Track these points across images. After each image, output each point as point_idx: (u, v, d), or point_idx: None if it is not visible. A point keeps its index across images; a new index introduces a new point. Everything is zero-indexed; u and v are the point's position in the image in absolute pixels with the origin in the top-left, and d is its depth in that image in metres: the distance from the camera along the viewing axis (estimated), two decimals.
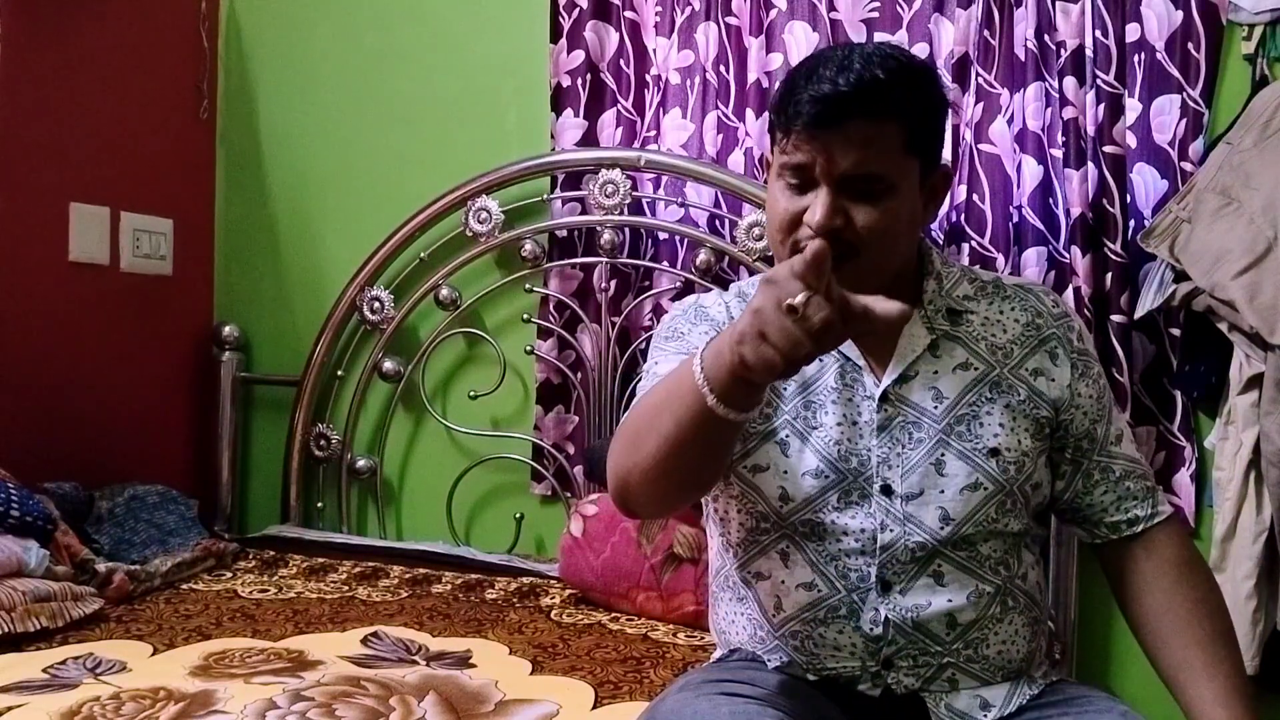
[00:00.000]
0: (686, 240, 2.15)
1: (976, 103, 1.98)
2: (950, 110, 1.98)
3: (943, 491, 1.08)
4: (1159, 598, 1.12)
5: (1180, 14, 1.90)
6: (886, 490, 1.08)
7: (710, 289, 2.09)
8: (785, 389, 1.12)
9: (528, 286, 2.24)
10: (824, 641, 1.10)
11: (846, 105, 1.01)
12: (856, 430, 1.09)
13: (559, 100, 2.22)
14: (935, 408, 1.09)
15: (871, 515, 1.08)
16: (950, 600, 1.08)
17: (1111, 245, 1.91)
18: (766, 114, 1.19)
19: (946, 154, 2.00)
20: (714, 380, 0.88)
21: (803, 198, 1.05)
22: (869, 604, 1.08)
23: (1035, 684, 1.12)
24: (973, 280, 1.17)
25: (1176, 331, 1.91)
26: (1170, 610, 1.11)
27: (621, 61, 2.20)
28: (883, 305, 0.85)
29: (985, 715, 1.08)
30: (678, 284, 2.15)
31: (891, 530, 1.07)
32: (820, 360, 1.10)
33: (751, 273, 2.09)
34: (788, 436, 1.10)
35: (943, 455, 1.08)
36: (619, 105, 2.20)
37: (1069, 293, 1.92)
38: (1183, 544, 1.15)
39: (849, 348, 1.11)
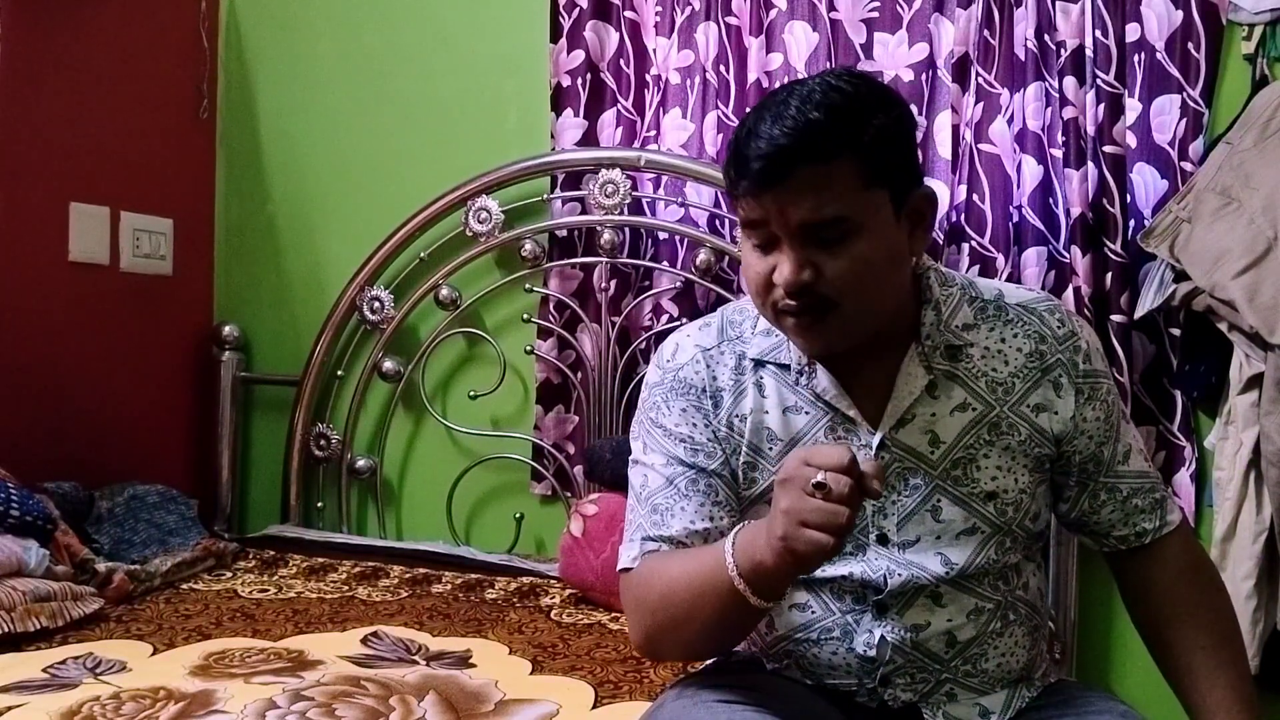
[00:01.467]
0: (686, 240, 2.15)
1: (976, 103, 1.98)
2: (950, 110, 1.99)
3: (939, 538, 1.05)
4: (1165, 602, 1.11)
5: (1180, 14, 1.90)
6: (883, 539, 1.06)
7: (711, 289, 2.11)
8: (772, 449, 1.07)
9: (528, 286, 2.24)
10: (818, 661, 1.08)
11: (787, 156, 0.94)
12: None
13: (559, 100, 2.22)
14: (932, 453, 1.05)
15: (868, 563, 1.05)
16: (950, 620, 1.06)
17: (1111, 245, 1.91)
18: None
19: (946, 153, 2.00)
20: (758, 585, 0.94)
21: (770, 256, 0.99)
22: (864, 625, 1.06)
23: (1034, 686, 1.11)
24: (973, 301, 1.09)
25: (1176, 331, 1.91)
26: (1176, 615, 1.10)
27: (621, 61, 2.20)
28: (874, 486, 0.88)
29: None
30: (678, 284, 2.15)
31: (900, 575, 1.05)
32: (805, 413, 1.07)
33: None
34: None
35: (939, 501, 1.05)
36: (619, 105, 2.20)
37: (1069, 293, 1.92)
38: (1191, 549, 1.14)
39: (836, 398, 1.05)
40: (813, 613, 1.08)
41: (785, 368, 1.08)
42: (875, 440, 1.05)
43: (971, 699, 1.08)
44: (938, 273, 1.10)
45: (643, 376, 1.18)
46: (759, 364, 1.10)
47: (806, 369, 1.07)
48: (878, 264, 0.98)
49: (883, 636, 1.05)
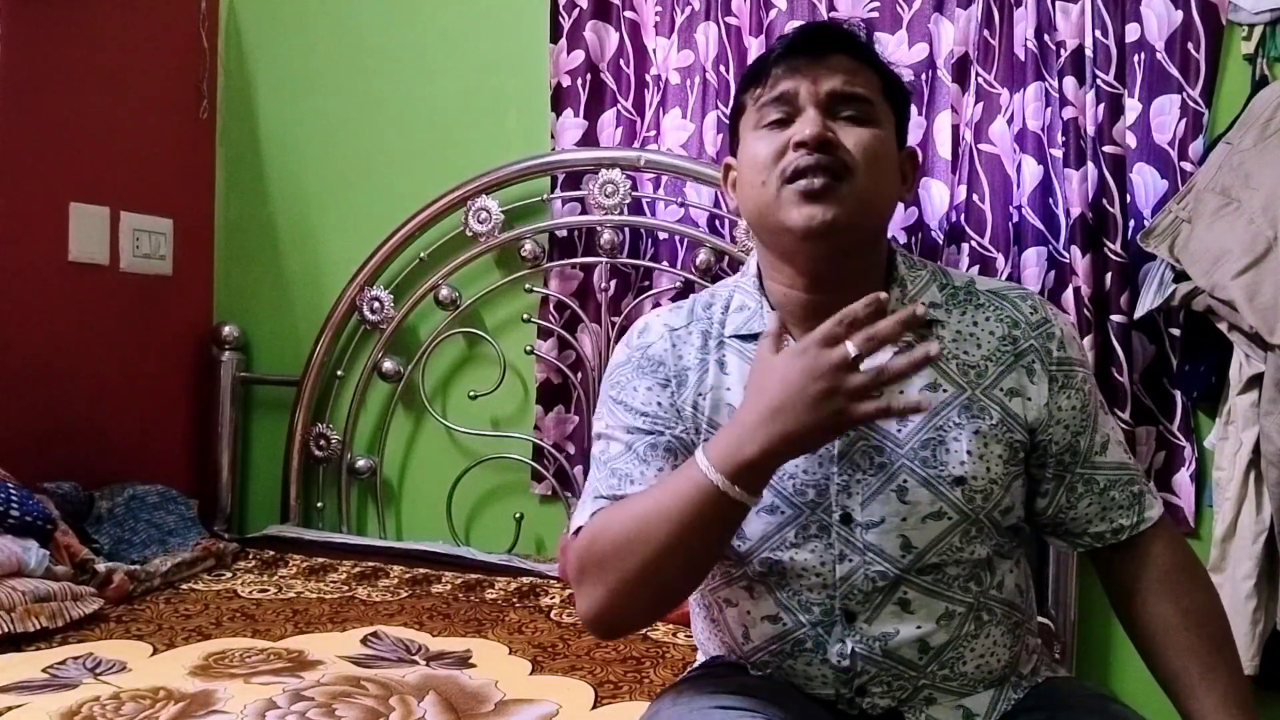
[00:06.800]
0: (686, 240, 2.15)
1: (976, 103, 1.98)
2: (950, 110, 1.99)
3: (904, 519, 1.02)
4: (1153, 605, 1.08)
5: (1180, 14, 1.90)
6: (846, 519, 1.03)
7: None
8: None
9: (528, 286, 2.24)
10: (794, 673, 1.07)
11: (828, 40, 1.05)
12: (815, 460, 1.03)
13: (559, 100, 2.22)
14: (899, 431, 1.03)
15: (831, 547, 1.03)
16: (919, 627, 1.03)
17: (1111, 245, 1.91)
18: (731, 108, 1.19)
19: (946, 153, 2.00)
20: (735, 470, 0.92)
21: (785, 131, 1.03)
22: (835, 636, 1.04)
23: (1021, 688, 1.09)
24: (944, 286, 1.10)
25: (1176, 331, 1.91)
26: (1165, 618, 1.07)
27: (621, 61, 2.20)
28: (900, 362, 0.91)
29: None
30: (678, 284, 2.15)
31: (850, 560, 1.03)
32: None
33: None
34: None
35: (905, 482, 1.02)
36: (619, 105, 2.20)
37: (1069, 293, 1.92)
38: (1176, 548, 1.10)
39: None
40: (784, 625, 1.06)
41: (755, 339, 1.07)
42: None
43: (953, 701, 1.06)
44: (905, 256, 1.12)
45: (597, 437, 1.14)
46: (723, 342, 1.10)
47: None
48: (886, 157, 1.05)
49: (854, 648, 1.03)
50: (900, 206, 2.01)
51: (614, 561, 0.98)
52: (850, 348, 0.89)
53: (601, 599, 1.00)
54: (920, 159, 1.12)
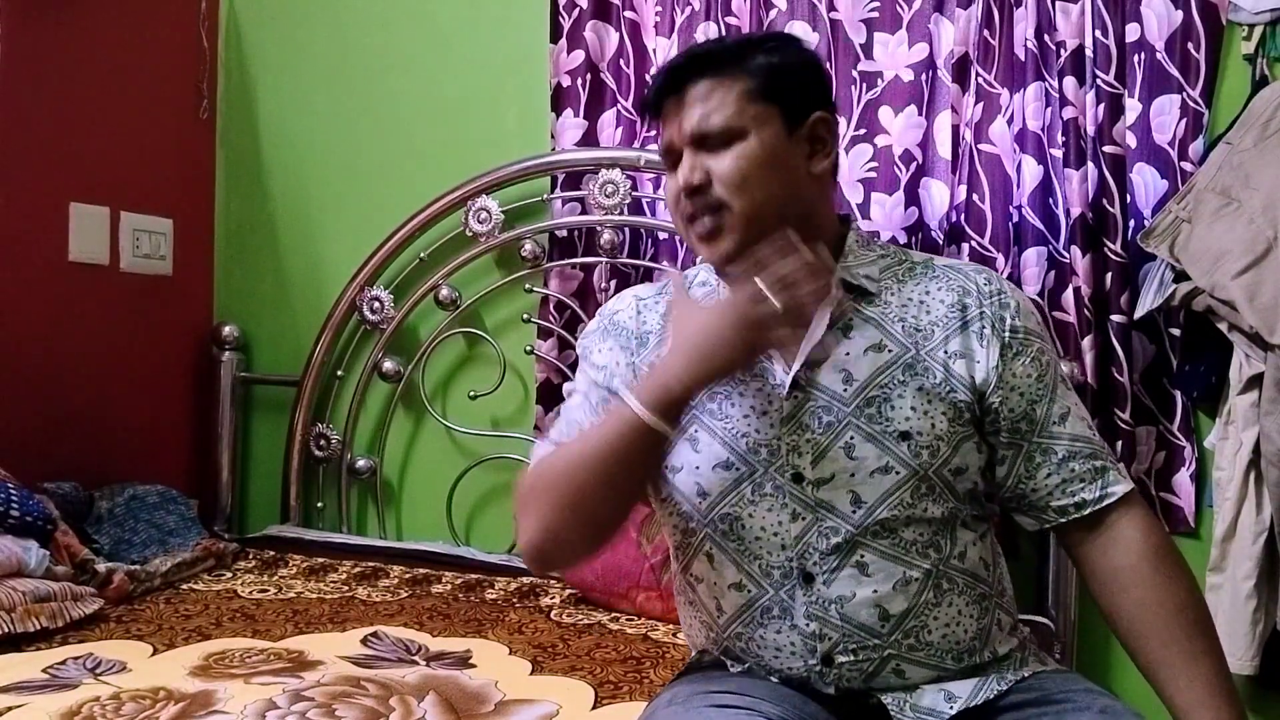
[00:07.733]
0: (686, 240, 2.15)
1: (976, 103, 1.98)
2: (950, 110, 1.99)
3: (853, 475, 1.05)
4: (1131, 591, 1.06)
5: (1180, 14, 1.90)
6: (797, 478, 1.06)
7: None
8: None
9: (528, 286, 2.24)
10: (765, 643, 1.08)
11: (680, 74, 1.10)
12: (766, 420, 1.08)
13: (559, 100, 2.22)
14: (845, 390, 1.07)
15: (785, 506, 1.06)
16: (876, 590, 1.04)
17: (1111, 245, 1.91)
18: None
19: (946, 153, 2.00)
20: (657, 403, 1.00)
21: (677, 172, 1.12)
22: (798, 600, 1.06)
23: (1005, 679, 1.08)
24: (901, 262, 1.15)
25: (1176, 331, 1.91)
26: (1143, 604, 1.05)
27: (621, 61, 2.20)
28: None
29: (950, 706, 1.04)
30: None
31: (803, 518, 1.06)
32: None
33: None
34: (697, 432, 1.10)
35: (852, 438, 1.05)
36: (619, 105, 2.20)
37: (1069, 293, 1.92)
38: (1149, 530, 1.08)
39: None
40: (750, 592, 1.09)
41: None
42: (788, 379, 1.08)
43: (928, 676, 1.06)
44: (859, 235, 1.17)
45: (568, 396, 1.24)
46: None
47: None
48: (760, 164, 1.08)
49: (814, 611, 1.05)
50: (900, 206, 2.02)
51: (546, 493, 1.06)
52: (776, 303, 0.99)
53: (535, 529, 1.06)
54: (833, 121, 1.15)
